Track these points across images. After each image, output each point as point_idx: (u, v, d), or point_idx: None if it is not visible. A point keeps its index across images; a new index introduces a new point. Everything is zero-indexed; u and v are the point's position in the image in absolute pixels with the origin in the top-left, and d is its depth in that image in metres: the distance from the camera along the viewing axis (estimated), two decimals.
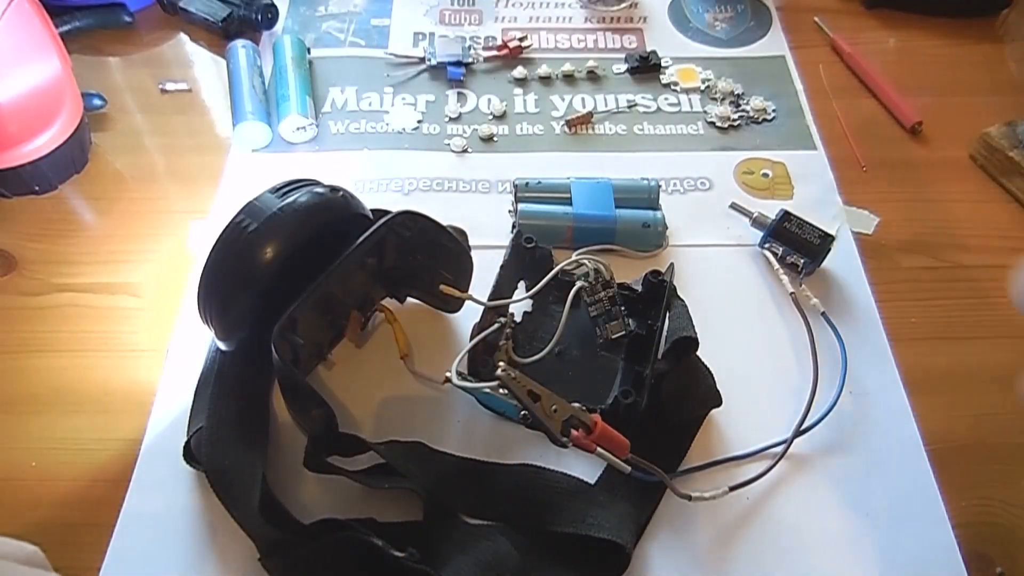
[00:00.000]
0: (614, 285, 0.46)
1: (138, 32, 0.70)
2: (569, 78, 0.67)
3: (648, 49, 0.69)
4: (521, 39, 0.68)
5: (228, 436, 0.41)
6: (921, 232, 0.56)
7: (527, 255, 0.48)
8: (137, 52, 0.68)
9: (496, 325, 0.44)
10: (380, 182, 0.58)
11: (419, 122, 0.62)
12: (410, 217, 0.43)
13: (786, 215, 0.52)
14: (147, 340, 0.49)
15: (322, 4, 0.73)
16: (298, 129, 0.60)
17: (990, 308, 0.52)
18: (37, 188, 0.56)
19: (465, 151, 0.61)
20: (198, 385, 0.45)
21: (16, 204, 0.56)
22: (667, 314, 0.45)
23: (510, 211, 0.55)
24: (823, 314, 0.49)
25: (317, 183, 0.43)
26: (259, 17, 0.68)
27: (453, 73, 0.66)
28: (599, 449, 0.37)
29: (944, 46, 0.71)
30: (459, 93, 0.65)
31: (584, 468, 0.43)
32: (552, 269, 0.46)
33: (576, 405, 0.38)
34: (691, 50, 0.69)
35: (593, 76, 0.67)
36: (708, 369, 0.45)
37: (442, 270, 0.46)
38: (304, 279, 0.40)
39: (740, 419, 0.45)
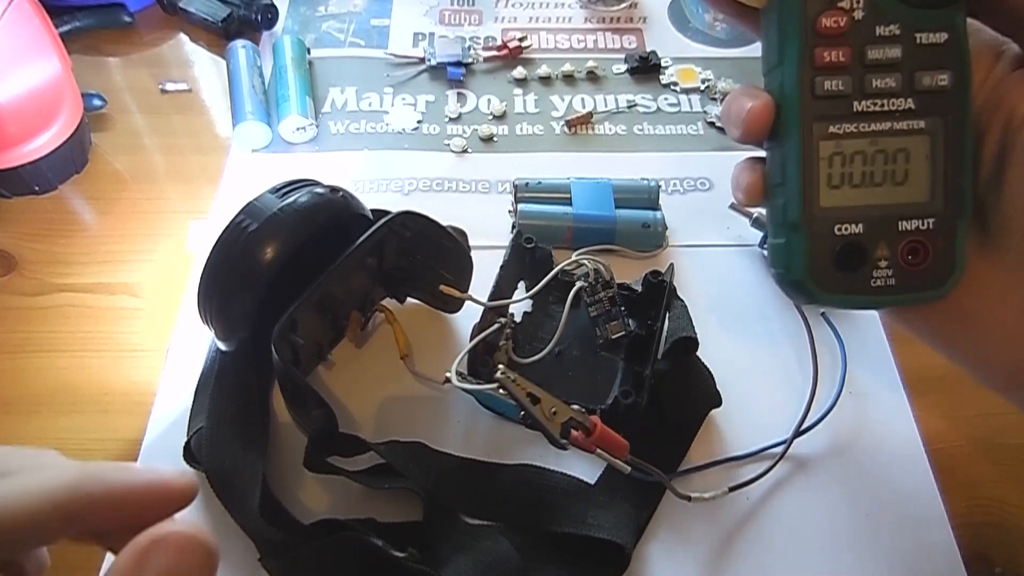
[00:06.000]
0: (614, 285, 0.46)
1: (138, 32, 0.70)
2: (569, 78, 0.67)
3: (648, 49, 0.69)
4: (521, 39, 0.68)
5: (228, 436, 0.41)
6: None
7: (527, 255, 0.48)
8: (137, 52, 0.68)
9: (496, 325, 0.44)
10: (380, 182, 0.58)
11: (419, 122, 0.62)
12: (410, 217, 0.43)
13: None
14: (147, 340, 0.49)
15: (322, 4, 0.73)
16: (298, 129, 0.60)
17: None
18: (37, 188, 0.56)
19: (465, 151, 0.61)
20: (198, 385, 0.45)
21: (16, 204, 0.56)
22: (667, 314, 0.45)
23: (510, 211, 0.55)
24: (823, 314, 0.49)
25: (317, 183, 0.43)
26: (259, 17, 0.68)
27: (453, 73, 0.66)
28: (598, 450, 0.37)
29: None
30: (459, 93, 0.65)
31: (584, 468, 0.43)
32: (552, 269, 0.46)
33: (575, 407, 0.37)
34: (691, 50, 0.69)
35: (593, 76, 0.67)
36: (708, 369, 0.45)
37: (442, 270, 0.46)
38: (304, 279, 0.40)
39: (740, 419, 0.45)
